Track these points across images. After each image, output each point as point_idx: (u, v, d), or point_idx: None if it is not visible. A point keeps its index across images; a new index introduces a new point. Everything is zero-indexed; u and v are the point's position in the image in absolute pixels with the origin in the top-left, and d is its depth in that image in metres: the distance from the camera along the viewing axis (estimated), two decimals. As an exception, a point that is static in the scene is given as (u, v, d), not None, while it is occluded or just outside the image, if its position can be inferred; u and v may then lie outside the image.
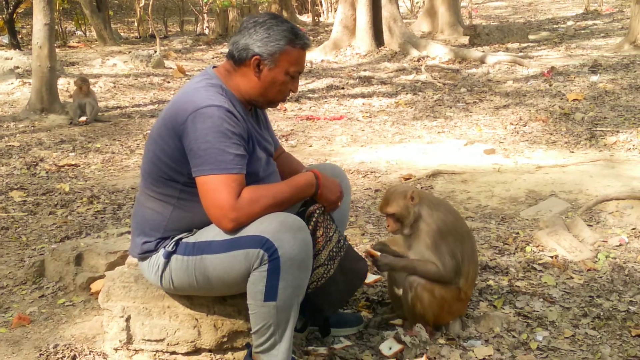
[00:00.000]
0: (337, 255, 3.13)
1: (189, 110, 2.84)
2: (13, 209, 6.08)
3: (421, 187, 6.34)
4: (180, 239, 3.00)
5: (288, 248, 2.74)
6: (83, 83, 10.08)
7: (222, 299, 3.17)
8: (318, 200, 3.09)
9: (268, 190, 2.90)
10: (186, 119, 2.83)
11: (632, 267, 4.38)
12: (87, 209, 5.97)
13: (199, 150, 2.80)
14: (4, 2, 18.80)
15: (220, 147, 2.80)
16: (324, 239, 3.08)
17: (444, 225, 3.37)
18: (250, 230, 2.80)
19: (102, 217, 5.75)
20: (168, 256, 2.98)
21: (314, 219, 3.06)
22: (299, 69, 3.07)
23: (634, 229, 5.05)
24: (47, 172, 7.40)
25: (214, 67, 3.15)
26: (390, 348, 3.31)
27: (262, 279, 2.78)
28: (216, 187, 2.78)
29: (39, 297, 4.23)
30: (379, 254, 3.45)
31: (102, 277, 3.99)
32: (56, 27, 14.58)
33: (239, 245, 2.81)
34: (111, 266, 4.03)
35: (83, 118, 9.90)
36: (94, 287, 4.12)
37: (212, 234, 2.91)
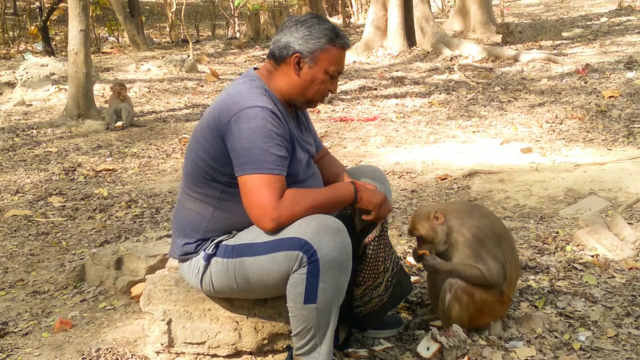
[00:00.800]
0: (392, 284, 3.22)
1: (232, 111, 2.86)
2: (52, 214, 6.15)
3: (457, 188, 6.31)
4: (220, 241, 3.02)
5: (327, 250, 2.74)
6: (121, 88, 10.18)
7: (263, 301, 3.18)
8: (361, 206, 3.07)
9: (309, 194, 2.91)
10: (230, 119, 2.85)
11: (675, 265, 4.31)
12: (126, 213, 6.02)
13: (242, 149, 2.82)
14: (37, 10, 19.03)
15: (263, 147, 2.81)
16: (383, 269, 3.16)
17: (480, 231, 3.34)
18: (289, 232, 2.81)
19: (140, 221, 5.80)
20: (208, 259, 3.00)
21: (370, 251, 3.10)
22: (338, 68, 3.07)
23: (675, 226, 4.98)
24: (85, 177, 7.48)
25: (255, 68, 3.17)
26: (428, 348, 3.29)
27: (302, 281, 2.78)
28: (258, 187, 2.80)
29: (80, 301, 4.27)
30: (428, 252, 3.41)
31: (142, 280, 4.03)
32: (90, 33, 14.74)
33: (278, 248, 2.81)
34: (151, 270, 4.07)
35: (119, 123, 9.99)
36: (135, 290, 4.15)
37: (251, 236, 2.92)
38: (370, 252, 3.12)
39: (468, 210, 3.43)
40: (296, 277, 2.80)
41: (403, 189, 6.40)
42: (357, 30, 20.17)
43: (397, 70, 13.91)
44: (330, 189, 3.04)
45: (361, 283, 3.19)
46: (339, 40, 3.03)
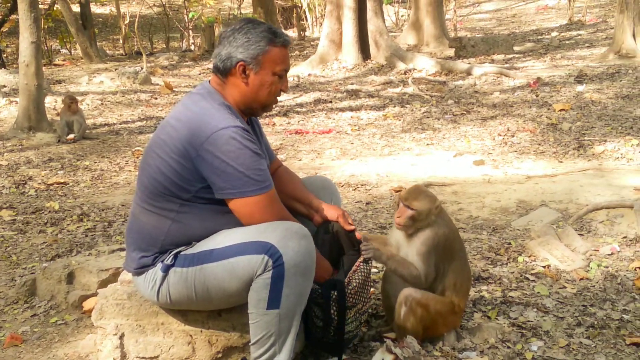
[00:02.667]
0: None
1: (206, 133, 2.84)
2: (2, 228, 6.04)
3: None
4: (179, 252, 2.99)
5: (292, 254, 2.75)
6: (71, 101, 10.05)
7: (217, 314, 3.15)
8: None
9: None
10: (203, 142, 2.83)
11: (625, 275, 4.39)
12: (78, 227, 5.94)
13: (235, 172, 2.82)
14: (-12, 22, 18.76)
15: (255, 166, 2.85)
16: (369, 296, 3.29)
17: (445, 240, 3.36)
18: (253, 237, 2.80)
19: (92, 235, 5.72)
20: (166, 270, 2.97)
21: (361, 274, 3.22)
22: (284, 66, 3.07)
23: (624, 237, 5.06)
24: (36, 191, 7.37)
25: (209, 81, 3.15)
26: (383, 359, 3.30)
27: (266, 286, 2.77)
28: (265, 207, 2.87)
29: (31, 316, 4.20)
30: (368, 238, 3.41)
31: (94, 295, 3.97)
32: (42, 45, 14.54)
33: (242, 252, 2.80)
34: (103, 284, 4.02)
35: (71, 136, 9.87)
36: (87, 305, 4.10)
37: (212, 243, 2.91)
38: (362, 274, 3.21)
39: (447, 219, 3.46)
40: (260, 282, 2.79)
41: (358, 201, 6.42)
42: (312, 43, 20.22)
43: (352, 84, 13.98)
44: (320, 260, 3.06)
45: (353, 305, 3.22)
46: (278, 39, 3.04)
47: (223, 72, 3.05)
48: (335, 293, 3.13)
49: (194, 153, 2.84)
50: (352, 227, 3.35)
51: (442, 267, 3.39)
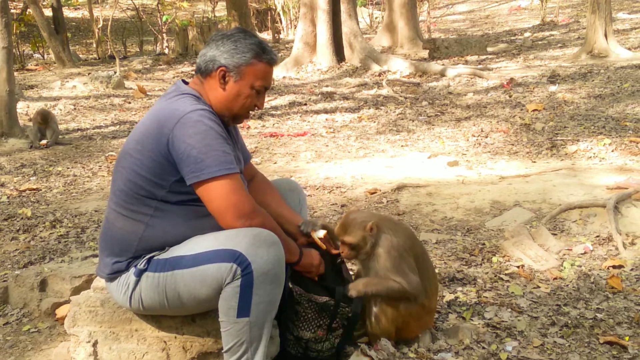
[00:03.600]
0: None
1: (173, 119, 2.84)
2: (-26, 235, 5.97)
3: (387, 201, 6.36)
4: (153, 256, 2.97)
5: (261, 263, 2.74)
6: (43, 121, 9.86)
7: (191, 320, 3.14)
8: (300, 268, 3.19)
9: (273, 222, 3.02)
10: (173, 127, 2.83)
11: (598, 274, 4.42)
12: (50, 234, 5.89)
13: (199, 154, 2.80)
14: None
15: (221, 148, 2.83)
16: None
17: (402, 249, 3.35)
18: (223, 244, 2.79)
19: (65, 241, 5.67)
20: (139, 274, 2.95)
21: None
22: (265, 83, 3.07)
23: (597, 236, 5.10)
24: (8, 197, 7.29)
25: (184, 81, 3.15)
26: (358, 363, 3.30)
27: (235, 294, 2.76)
28: (229, 189, 2.81)
29: (4, 324, 4.15)
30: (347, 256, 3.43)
31: (67, 302, 3.94)
32: (14, 49, 14.39)
33: (211, 259, 2.79)
34: (76, 291, 3.98)
35: (44, 141, 9.78)
36: (60, 312, 4.06)
37: (184, 249, 2.89)
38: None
39: (394, 228, 3.44)
40: (229, 290, 2.77)
41: (333, 204, 6.42)
42: (286, 45, 20.22)
43: (327, 86, 13.99)
44: (288, 239, 3.08)
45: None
46: (265, 55, 3.03)
47: (204, 72, 3.06)
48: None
49: (165, 141, 2.84)
50: (336, 252, 3.40)
51: (418, 270, 3.40)
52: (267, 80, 3.09)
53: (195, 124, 2.82)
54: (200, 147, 2.80)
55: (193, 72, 10.77)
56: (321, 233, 3.34)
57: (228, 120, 3.14)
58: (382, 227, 3.38)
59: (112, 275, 3.06)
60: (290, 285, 3.28)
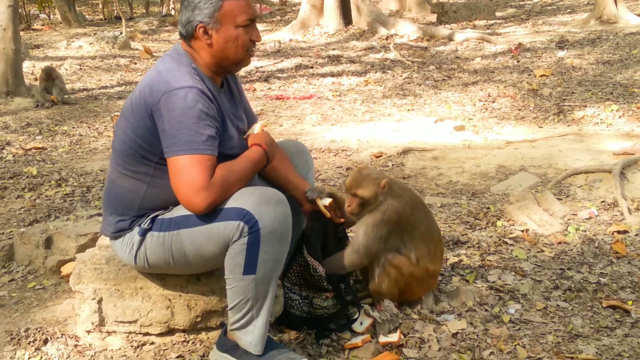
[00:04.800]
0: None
1: (161, 91, 2.82)
2: (-20, 193, 5.99)
3: (392, 165, 6.35)
4: (156, 216, 2.98)
5: (268, 221, 2.74)
6: (47, 77, 9.88)
7: (196, 279, 3.15)
8: (271, 158, 3.12)
9: (233, 168, 2.89)
10: (159, 99, 2.81)
11: (602, 239, 4.42)
12: (56, 192, 5.90)
13: (171, 130, 2.78)
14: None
15: (193, 127, 2.77)
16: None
17: (396, 215, 3.34)
18: (230, 203, 2.79)
19: (71, 200, 5.68)
20: (143, 234, 2.95)
21: None
22: (247, 16, 2.99)
23: (603, 201, 5.10)
24: (13, 156, 7.30)
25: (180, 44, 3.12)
26: (362, 323, 3.31)
27: (242, 252, 2.77)
28: (189, 167, 2.76)
29: (9, 281, 4.17)
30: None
31: (72, 259, 3.96)
32: (20, 9, 14.32)
33: (218, 218, 2.79)
34: (81, 248, 3.99)
35: (54, 95, 9.77)
36: (65, 270, 4.08)
37: None
38: None
39: (400, 192, 3.43)
40: (236, 248, 2.78)
41: (338, 167, 6.41)
42: (293, 8, 20.10)
43: (334, 49, 13.92)
44: (245, 159, 2.99)
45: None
46: None
47: (187, 37, 3.02)
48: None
49: (151, 111, 2.84)
50: (341, 220, 3.40)
51: (403, 238, 3.39)
52: (247, 12, 2.99)
53: (178, 101, 2.79)
54: (174, 123, 2.78)
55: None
56: (327, 201, 3.33)
57: (231, 68, 3.09)
58: (391, 187, 3.38)
59: (116, 234, 3.06)
60: (307, 257, 3.28)
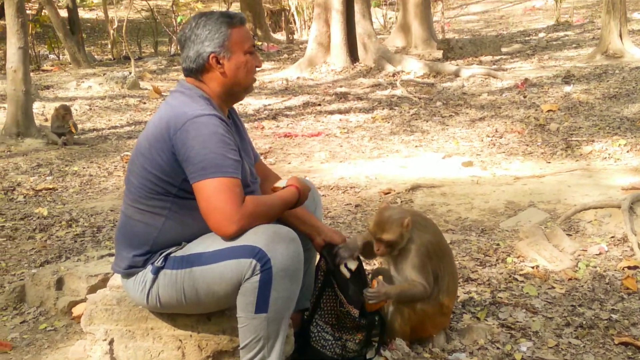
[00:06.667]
0: None
1: (181, 121, 2.87)
2: (-9, 234, 6.02)
3: (401, 202, 6.36)
4: (169, 253, 2.99)
5: (280, 259, 2.76)
6: (65, 112, 9.99)
7: (207, 319, 3.16)
8: (302, 198, 3.18)
9: (266, 201, 2.99)
10: (179, 129, 2.86)
11: (613, 275, 4.41)
12: (66, 233, 5.93)
13: (197, 156, 2.82)
14: (-25, 27, 18.68)
15: (219, 152, 2.83)
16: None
17: (431, 246, 3.39)
18: (242, 240, 2.80)
19: (81, 241, 5.71)
20: (156, 272, 2.97)
21: None
22: (250, 42, 3.14)
23: (612, 237, 5.09)
24: (24, 197, 7.34)
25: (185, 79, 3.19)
26: (372, 360, 3.31)
27: (254, 290, 2.78)
28: (218, 191, 2.80)
29: (20, 322, 4.19)
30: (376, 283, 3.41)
31: (83, 300, 3.97)
32: (30, 50, 14.46)
33: (230, 255, 2.80)
34: (92, 289, 4.00)
35: (72, 126, 9.88)
36: (76, 311, 4.09)
37: (202, 246, 2.91)
38: None
39: (424, 224, 3.47)
40: (248, 286, 2.79)
41: (347, 204, 6.43)
42: (300, 46, 20.23)
43: (341, 86, 13.98)
44: (280, 198, 3.08)
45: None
46: (234, 20, 3.10)
47: (197, 71, 3.10)
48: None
49: (170, 144, 2.88)
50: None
51: (439, 271, 3.42)
52: (250, 39, 3.16)
53: (200, 128, 2.84)
54: (199, 149, 2.82)
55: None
56: (353, 265, 3.36)
57: (241, 94, 3.21)
58: (415, 222, 3.40)
59: (129, 271, 3.08)
60: (338, 292, 3.31)
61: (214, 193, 2.80)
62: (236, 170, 2.87)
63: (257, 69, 3.19)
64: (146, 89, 14.66)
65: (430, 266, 3.38)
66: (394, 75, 14.65)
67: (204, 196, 2.83)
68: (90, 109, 12.77)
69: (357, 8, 15.82)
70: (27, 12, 13.56)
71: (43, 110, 12.15)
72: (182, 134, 2.85)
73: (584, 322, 3.76)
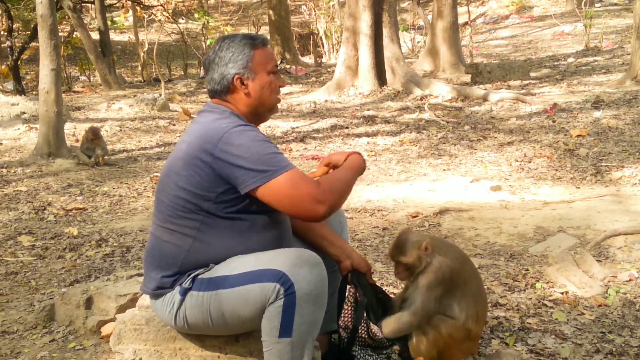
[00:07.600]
0: None
1: (218, 135, 2.89)
2: (22, 253, 6.09)
3: (429, 225, 6.35)
4: (197, 275, 3.01)
5: (304, 283, 2.76)
6: (94, 137, 10.13)
7: (235, 340, 3.16)
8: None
9: (335, 175, 3.03)
10: (219, 141, 2.87)
11: (643, 301, 4.37)
12: (96, 252, 5.98)
13: (250, 163, 2.83)
14: (8, 49, 18.98)
15: (271, 151, 2.87)
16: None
17: (449, 271, 3.36)
18: (266, 264, 2.82)
19: (111, 260, 5.76)
20: (184, 293, 2.98)
21: None
22: (274, 63, 3.18)
23: (643, 263, 5.04)
24: (55, 216, 7.43)
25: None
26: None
27: (278, 314, 2.78)
28: (294, 183, 2.82)
29: (50, 341, 4.22)
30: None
31: (112, 320, 4.00)
32: (61, 72, 14.67)
33: (255, 279, 2.81)
34: (121, 309, 4.03)
35: (99, 152, 10.02)
36: (105, 330, 4.11)
37: (227, 269, 2.92)
38: None
39: (445, 249, 3.45)
40: (272, 310, 2.80)
41: (374, 227, 6.42)
42: (328, 70, 20.33)
43: (369, 109, 14.02)
44: (351, 167, 3.11)
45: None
46: (257, 42, 3.14)
47: (222, 92, 3.14)
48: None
49: (210, 158, 2.88)
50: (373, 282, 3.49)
51: (457, 295, 3.39)
52: (273, 59, 3.19)
53: (241, 136, 2.87)
54: (249, 155, 2.83)
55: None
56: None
57: (266, 115, 3.24)
58: (435, 246, 3.39)
59: (158, 292, 3.09)
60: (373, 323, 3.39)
61: (291, 187, 2.82)
62: (291, 163, 2.91)
63: (281, 89, 3.23)
64: (176, 110, 14.81)
65: (437, 292, 3.35)
66: (421, 98, 14.67)
67: (282, 194, 2.83)
68: (121, 130, 12.91)
69: (386, 32, 15.89)
70: (60, 34, 13.74)
71: (74, 131, 12.32)
72: (224, 146, 2.86)
73: (614, 349, 3.72)
